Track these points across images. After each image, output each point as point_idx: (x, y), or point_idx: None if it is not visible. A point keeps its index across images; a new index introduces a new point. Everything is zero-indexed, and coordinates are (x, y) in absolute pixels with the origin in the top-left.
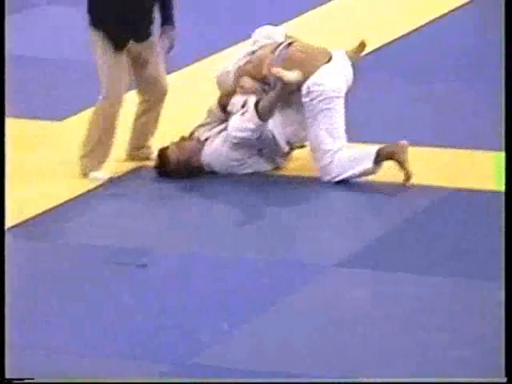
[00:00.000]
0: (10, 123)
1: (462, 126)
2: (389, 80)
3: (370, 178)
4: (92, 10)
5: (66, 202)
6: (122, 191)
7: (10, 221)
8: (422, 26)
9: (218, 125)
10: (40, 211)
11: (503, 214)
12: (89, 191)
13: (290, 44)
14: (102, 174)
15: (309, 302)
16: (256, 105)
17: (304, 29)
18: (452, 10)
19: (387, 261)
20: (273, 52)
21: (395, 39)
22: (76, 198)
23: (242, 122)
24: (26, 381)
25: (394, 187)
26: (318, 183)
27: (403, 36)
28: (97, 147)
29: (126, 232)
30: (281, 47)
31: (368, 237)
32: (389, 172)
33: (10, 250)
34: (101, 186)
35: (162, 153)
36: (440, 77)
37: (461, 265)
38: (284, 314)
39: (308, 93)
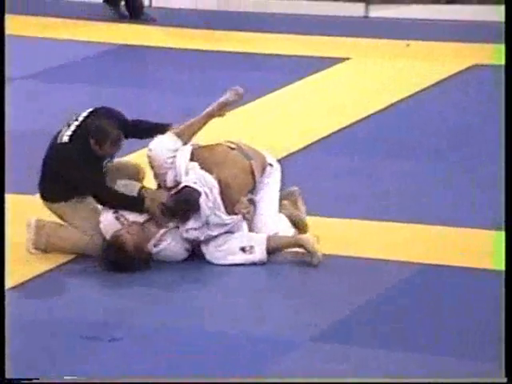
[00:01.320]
0: None
1: (452, 203)
2: (369, 155)
3: (347, 252)
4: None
5: (36, 277)
6: (91, 265)
7: None
8: (398, 102)
9: None
10: (9, 286)
11: (485, 292)
12: (58, 266)
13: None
14: None
15: (282, 377)
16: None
17: (281, 103)
18: (427, 87)
19: (361, 336)
20: (246, 158)
21: (371, 114)
22: (46, 272)
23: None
24: (26, 381)
25: (368, 261)
26: (286, 259)
27: (380, 111)
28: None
29: (98, 306)
30: (246, 153)
31: (343, 311)
32: (367, 247)
33: None
34: (71, 260)
35: (116, 241)
36: (423, 153)
37: (437, 341)
38: None
39: (271, 172)
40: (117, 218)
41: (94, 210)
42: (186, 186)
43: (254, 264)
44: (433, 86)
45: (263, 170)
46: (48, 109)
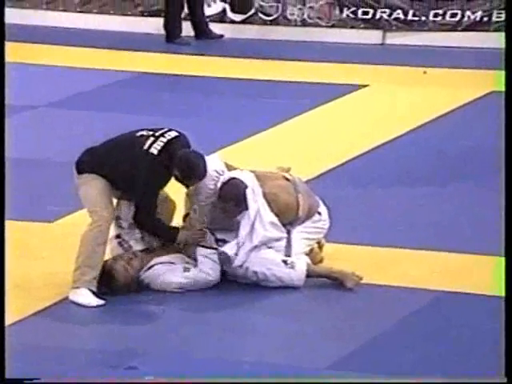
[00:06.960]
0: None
1: (458, 230)
2: (386, 183)
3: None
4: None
5: (53, 305)
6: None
7: None
8: (415, 129)
9: None
10: (27, 314)
11: (498, 318)
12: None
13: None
14: (88, 301)
15: None
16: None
17: (300, 130)
18: (444, 114)
19: (380, 363)
20: (295, 190)
21: (388, 141)
22: (63, 300)
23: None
24: (27, 381)
25: (385, 289)
26: (304, 287)
27: (397, 138)
28: (88, 261)
29: (114, 334)
30: (297, 187)
31: (361, 339)
32: (381, 274)
33: None
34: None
35: (109, 271)
36: (438, 181)
37: (454, 367)
38: None
39: (316, 220)
40: (119, 244)
41: (106, 187)
42: (233, 178)
43: (284, 287)
44: (450, 112)
45: (310, 212)
46: (65, 136)
